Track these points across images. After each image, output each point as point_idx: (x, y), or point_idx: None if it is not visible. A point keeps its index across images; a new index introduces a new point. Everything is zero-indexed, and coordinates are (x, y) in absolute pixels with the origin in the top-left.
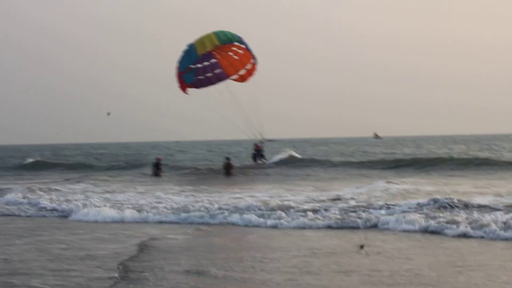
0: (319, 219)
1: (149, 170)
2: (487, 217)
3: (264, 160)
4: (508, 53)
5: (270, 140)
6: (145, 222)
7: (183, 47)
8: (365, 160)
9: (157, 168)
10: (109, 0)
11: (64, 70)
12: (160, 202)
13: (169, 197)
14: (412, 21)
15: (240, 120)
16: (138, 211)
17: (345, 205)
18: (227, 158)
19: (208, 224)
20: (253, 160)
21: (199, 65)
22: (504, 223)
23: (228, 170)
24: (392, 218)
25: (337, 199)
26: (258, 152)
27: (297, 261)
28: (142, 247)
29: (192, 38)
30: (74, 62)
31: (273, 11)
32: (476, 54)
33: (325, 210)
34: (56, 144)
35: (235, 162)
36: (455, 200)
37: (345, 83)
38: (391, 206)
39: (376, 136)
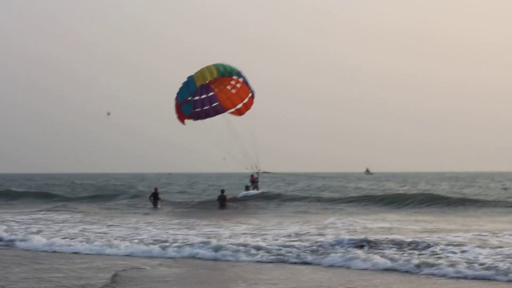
0: (297, 253)
1: (144, 201)
2: (462, 255)
3: (257, 191)
4: (504, 92)
5: (265, 172)
6: (130, 255)
7: (177, 77)
8: (350, 196)
9: (155, 199)
10: (108, 33)
11: (58, 99)
12: (142, 234)
13: (150, 229)
14: (407, 60)
15: (236, 152)
16: (123, 240)
17: (323, 239)
18: (222, 191)
19: (192, 257)
20: (245, 191)
21: (197, 97)
22: (476, 260)
23: (222, 202)
24: (368, 253)
25: (317, 234)
26: (253, 183)
27: None
28: (120, 277)
29: (185, 68)
30: (71, 91)
31: (271, 46)
32: (471, 93)
33: (304, 244)
34: (47, 174)
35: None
36: (430, 238)
37: (340, 119)
38: (369, 243)
39: (368, 172)
